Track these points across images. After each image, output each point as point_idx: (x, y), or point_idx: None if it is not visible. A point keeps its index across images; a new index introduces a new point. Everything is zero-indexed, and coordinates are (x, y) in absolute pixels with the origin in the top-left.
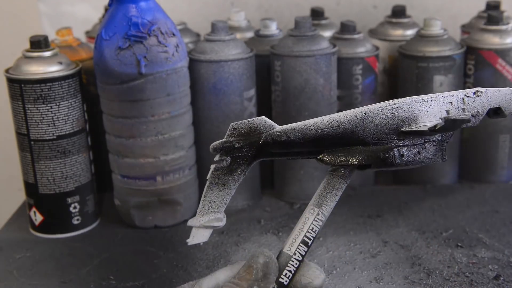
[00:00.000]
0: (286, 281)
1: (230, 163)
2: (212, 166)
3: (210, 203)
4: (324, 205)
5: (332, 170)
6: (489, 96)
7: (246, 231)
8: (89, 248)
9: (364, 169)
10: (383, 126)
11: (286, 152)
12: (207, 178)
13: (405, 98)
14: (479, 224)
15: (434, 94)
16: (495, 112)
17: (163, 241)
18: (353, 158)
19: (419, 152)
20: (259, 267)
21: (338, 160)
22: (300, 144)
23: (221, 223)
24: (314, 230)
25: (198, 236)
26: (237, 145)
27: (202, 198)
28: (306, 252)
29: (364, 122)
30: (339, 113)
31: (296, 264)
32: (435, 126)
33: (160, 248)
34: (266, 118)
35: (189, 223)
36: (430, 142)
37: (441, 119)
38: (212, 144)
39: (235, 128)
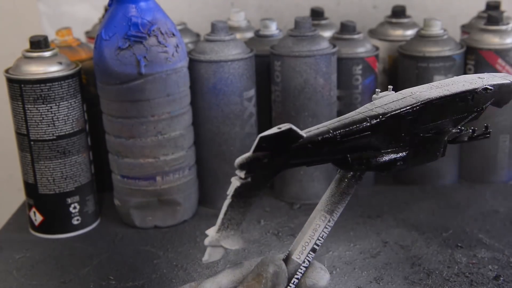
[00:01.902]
0: None
1: (256, 179)
2: (236, 183)
3: (229, 220)
4: (335, 211)
5: (344, 174)
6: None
7: (246, 231)
8: (89, 248)
9: (382, 172)
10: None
11: (310, 161)
12: (229, 194)
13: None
14: (479, 224)
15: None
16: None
17: (163, 241)
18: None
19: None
20: (268, 277)
21: (361, 164)
22: (329, 153)
23: (238, 246)
24: (323, 237)
25: (215, 254)
26: (265, 160)
27: (222, 215)
28: (313, 257)
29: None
30: (367, 113)
31: (303, 270)
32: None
33: (160, 248)
34: (293, 127)
35: (207, 242)
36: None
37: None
38: (238, 160)
39: (264, 141)
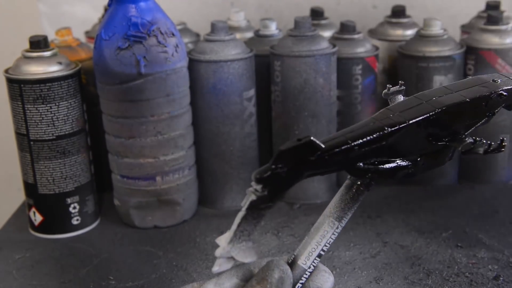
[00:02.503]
0: None
1: (272, 192)
2: (251, 196)
3: (242, 232)
4: (344, 218)
5: (354, 180)
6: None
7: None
8: (88, 248)
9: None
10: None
11: (325, 171)
12: (243, 207)
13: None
14: (479, 224)
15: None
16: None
17: (163, 241)
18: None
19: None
20: (273, 282)
21: (372, 171)
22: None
23: (252, 259)
24: (330, 243)
25: (225, 265)
26: (283, 175)
27: (235, 227)
28: (319, 262)
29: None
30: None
31: (308, 275)
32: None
33: (160, 248)
34: (313, 138)
35: (218, 254)
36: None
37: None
38: (256, 173)
39: (283, 154)
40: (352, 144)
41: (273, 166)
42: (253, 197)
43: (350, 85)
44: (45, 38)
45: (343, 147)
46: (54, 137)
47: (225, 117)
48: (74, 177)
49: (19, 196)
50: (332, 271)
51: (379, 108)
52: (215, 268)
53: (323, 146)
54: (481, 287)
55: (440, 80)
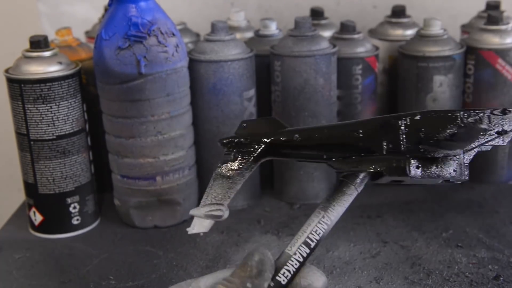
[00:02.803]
0: (284, 280)
1: (236, 157)
2: (220, 162)
3: (213, 195)
4: (330, 208)
5: (344, 176)
6: None
7: (246, 231)
8: (88, 248)
9: (377, 179)
10: (399, 135)
11: (296, 153)
12: (214, 172)
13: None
14: (479, 224)
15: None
16: None
17: (163, 241)
18: (365, 166)
19: (437, 166)
20: (253, 264)
21: (349, 166)
22: (309, 147)
23: (222, 213)
24: (317, 233)
25: (199, 226)
26: (243, 140)
27: (207, 190)
28: (308, 254)
29: (382, 130)
30: (354, 120)
31: (296, 264)
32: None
33: (160, 248)
34: (277, 118)
35: (191, 212)
36: (451, 157)
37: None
38: (221, 138)
39: (245, 125)
40: (317, 128)
41: (235, 134)
42: (221, 161)
43: (350, 85)
44: (45, 38)
45: (307, 129)
46: (54, 137)
47: (225, 117)
48: (74, 177)
49: (19, 196)
50: (332, 271)
51: (379, 108)
52: (190, 228)
53: (288, 126)
54: (481, 287)
55: (440, 80)
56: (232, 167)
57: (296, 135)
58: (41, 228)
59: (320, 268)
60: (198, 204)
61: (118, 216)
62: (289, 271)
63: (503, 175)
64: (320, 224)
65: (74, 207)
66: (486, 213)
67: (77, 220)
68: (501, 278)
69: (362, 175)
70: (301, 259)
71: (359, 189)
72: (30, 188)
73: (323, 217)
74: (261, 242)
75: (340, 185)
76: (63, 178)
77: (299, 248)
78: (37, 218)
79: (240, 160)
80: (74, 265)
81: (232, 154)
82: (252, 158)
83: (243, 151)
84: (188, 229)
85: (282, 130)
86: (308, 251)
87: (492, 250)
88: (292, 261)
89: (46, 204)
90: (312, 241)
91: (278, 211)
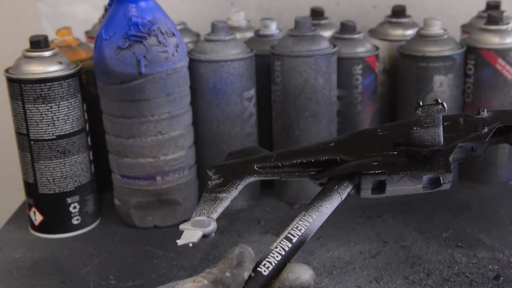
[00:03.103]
0: (265, 271)
1: (223, 178)
2: (208, 183)
3: (201, 210)
4: (310, 208)
5: (326, 183)
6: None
7: (246, 231)
8: (89, 248)
9: (358, 191)
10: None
11: (275, 173)
12: (203, 193)
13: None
14: (479, 224)
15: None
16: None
17: (163, 241)
18: (341, 170)
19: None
20: (233, 257)
21: (327, 174)
22: (285, 167)
23: (205, 218)
24: (298, 228)
25: (187, 237)
26: (229, 165)
27: (196, 208)
28: (290, 248)
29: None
30: (326, 140)
31: (277, 256)
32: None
33: (160, 248)
34: (258, 146)
35: (180, 227)
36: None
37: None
38: (210, 167)
39: (230, 154)
40: (290, 151)
41: (223, 162)
42: (209, 182)
43: (350, 85)
44: (45, 38)
45: (282, 153)
46: (55, 136)
47: (225, 117)
48: (74, 176)
49: (19, 196)
50: (332, 271)
51: (379, 108)
52: (179, 240)
53: (266, 151)
54: (481, 287)
55: (440, 80)
56: (219, 186)
57: (274, 155)
58: (41, 228)
59: (320, 268)
60: (197, 204)
61: (118, 216)
62: (270, 262)
63: (503, 175)
64: (301, 222)
65: (74, 207)
66: (486, 213)
67: (77, 220)
68: (501, 278)
69: (343, 180)
70: (282, 252)
71: (342, 194)
72: (30, 188)
73: (304, 215)
74: (261, 242)
75: (322, 190)
76: (63, 178)
77: (280, 243)
78: (37, 218)
79: (226, 180)
80: (74, 265)
81: (219, 176)
82: (237, 178)
83: (229, 173)
84: (177, 240)
85: (262, 154)
86: (289, 245)
87: (492, 250)
88: (273, 253)
89: (46, 204)
90: (293, 236)
91: (278, 211)
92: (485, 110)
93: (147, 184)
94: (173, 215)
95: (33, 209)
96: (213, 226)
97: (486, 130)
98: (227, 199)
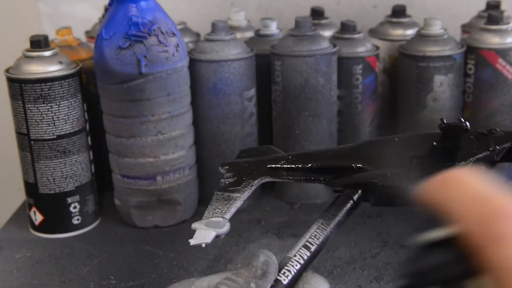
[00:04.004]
0: (284, 279)
1: (236, 177)
2: (221, 181)
3: (214, 209)
4: (327, 217)
5: (341, 190)
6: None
7: (246, 231)
8: (89, 248)
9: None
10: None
11: (290, 175)
12: (215, 191)
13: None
14: None
15: None
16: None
17: (163, 241)
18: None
19: None
20: (258, 265)
21: (343, 182)
22: (300, 171)
23: (221, 220)
24: (316, 237)
25: (200, 237)
26: (243, 163)
27: (208, 207)
28: (308, 257)
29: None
30: (342, 146)
31: (296, 265)
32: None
33: (160, 248)
34: (272, 146)
35: (193, 225)
36: None
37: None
38: (222, 163)
39: (243, 152)
40: (306, 154)
41: (235, 159)
42: (221, 180)
43: (350, 84)
44: (45, 38)
45: (298, 155)
46: (55, 136)
47: (225, 117)
48: (74, 176)
49: (20, 196)
50: (332, 271)
51: (379, 108)
52: (192, 240)
53: (281, 152)
54: None
55: (440, 80)
56: (232, 185)
57: (290, 157)
58: (41, 227)
59: (321, 268)
60: (197, 204)
61: (118, 216)
62: (289, 271)
63: (503, 175)
64: (318, 230)
65: (75, 207)
66: None
67: (78, 219)
68: None
69: (358, 189)
70: (301, 261)
71: (356, 201)
72: (31, 188)
73: (322, 224)
74: (262, 242)
75: (338, 197)
76: (63, 178)
77: (299, 251)
78: (38, 217)
79: (240, 179)
80: (75, 265)
81: (232, 174)
82: (251, 178)
83: (243, 172)
84: (190, 240)
85: (277, 155)
86: (308, 253)
87: None
88: (293, 262)
89: (47, 204)
90: (312, 244)
91: (279, 211)
92: (497, 129)
93: (148, 184)
94: (173, 215)
95: (33, 209)
96: (227, 227)
97: (498, 148)
98: (240, 199)
